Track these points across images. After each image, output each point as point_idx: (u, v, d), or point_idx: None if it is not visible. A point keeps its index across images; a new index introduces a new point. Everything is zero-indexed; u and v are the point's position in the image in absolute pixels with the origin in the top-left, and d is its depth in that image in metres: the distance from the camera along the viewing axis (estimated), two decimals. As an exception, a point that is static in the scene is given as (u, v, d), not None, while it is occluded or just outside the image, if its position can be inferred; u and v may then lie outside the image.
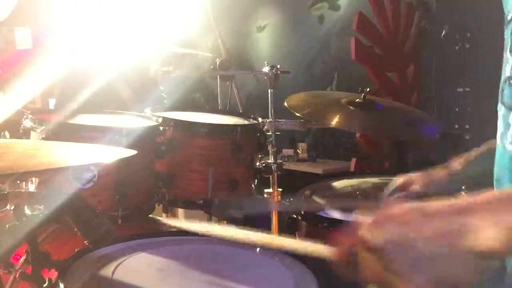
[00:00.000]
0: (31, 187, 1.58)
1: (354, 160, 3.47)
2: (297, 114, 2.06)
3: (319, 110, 2.11)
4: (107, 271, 1.10)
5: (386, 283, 0.77)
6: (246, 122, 2.13)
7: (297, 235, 1.66)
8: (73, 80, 2.93)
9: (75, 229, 1.08)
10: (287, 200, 1.72)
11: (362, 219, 0.85)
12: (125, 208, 1.70)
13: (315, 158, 3.88)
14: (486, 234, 0.74)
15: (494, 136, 1.22)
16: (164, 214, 2.33)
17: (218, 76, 2.92)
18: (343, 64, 3.92)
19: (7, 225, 1.02)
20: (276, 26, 4.51)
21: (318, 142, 4.16)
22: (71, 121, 1.79)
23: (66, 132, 1.68)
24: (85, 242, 1.09)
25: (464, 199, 0.80)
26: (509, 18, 1.14)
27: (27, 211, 1.05)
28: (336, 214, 1.57)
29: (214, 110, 2.44)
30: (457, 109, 3.16)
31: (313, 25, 4.19)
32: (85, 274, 1.09)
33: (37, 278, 1.08)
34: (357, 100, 2.05)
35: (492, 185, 1.23)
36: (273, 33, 4.54)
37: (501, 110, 1.20)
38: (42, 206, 1.07)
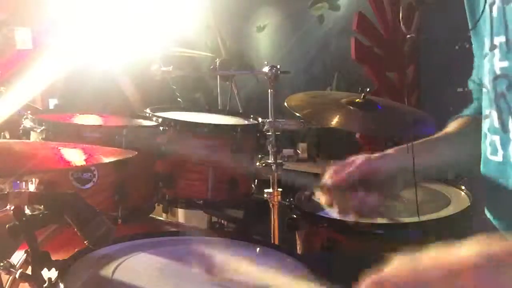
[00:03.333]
0: (31, 187, 1.59)
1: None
2: (297, 114, 2.06)
3: (319, 110, 2.11)
4: (107, 271, 1.10)
5: None
6: (246, 122, 2.13)
7: (297, 235, 1.66)
8: (75, 80, 2.94)
9: (75, 229, 1.08)
10: (287, 200, 1.72)
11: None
12: (125, 208, 1.70)
13: (315, 158, 3.87)
14: None
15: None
16: (164, 214, 2.33)
17: (218, 76, 2.92)
18: (343, 64, 3.92)
19: (7, 225, 1.02)
20: (276, 26, 4.50)
21: (318, 142, 4.15)
22: (71, 121, 1.79)
23: (66, 132, 1.68)
24: (85, 242, 1.09)
25: (459, 256, 0.77)
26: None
27: (27, 211, 1.06)
28: (336, 214, 1.57)
29: (214, 110, 2.44)
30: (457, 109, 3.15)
31: (313, 25, 4.18)
32: (85, 274, 1.09)
33: (37, 278, 1.08)
34: (357, 100, 2.04)
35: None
36: (273, 33, 4.53)
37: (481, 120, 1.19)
38: (42, 206, 1.07)
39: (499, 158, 1.12)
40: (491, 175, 1.16)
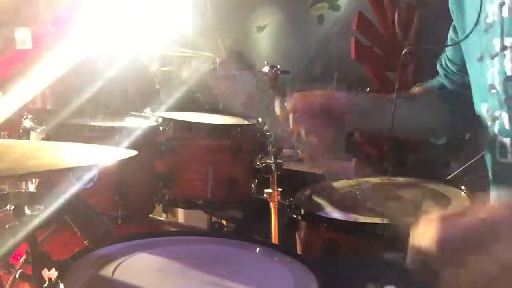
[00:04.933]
0: (31, 187, 1.58)
1: (354, 160, 3.46)
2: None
3: (319, 110, 2.10)
4: (107, 271, 1.10)
5: None
6: (246, 122, 2.13)
7: (297, 235, 1.66)
8: (70, 80, 2.93)
9: (75, 229, 1.08)
10: (287, 200, 1.72)
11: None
12: (125, 208, 1.70)
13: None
14: None
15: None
16: (164, 214, 2.33)
17: (218, 76, 2.92)
18: (343, 64, 3.92)
19: (7, 225, 1.02)
20: (276, 26, 4.50)
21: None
22: (71, 121, 1.79)
23: (66, 132, 1.68)
24: (85, 242, 1.08)
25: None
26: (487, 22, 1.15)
27: (27, 211, 1.05)
28: (336, 214, 1.57)
29: (214, 110, 2.44)
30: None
31: (313, 25, 4.18)
32: (85, 274, 1.09)
33: (37, 278, 1.08)
34: (357, 100, 2.04)
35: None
36: (273, 33, 4.53)
37: (487, 121, 1.19)
38: (42, 206, 1.07)
39: (509, 160, 1.11)
40: (500, 178, 1.15)
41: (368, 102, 1.34)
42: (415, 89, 1.46)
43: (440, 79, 1.46)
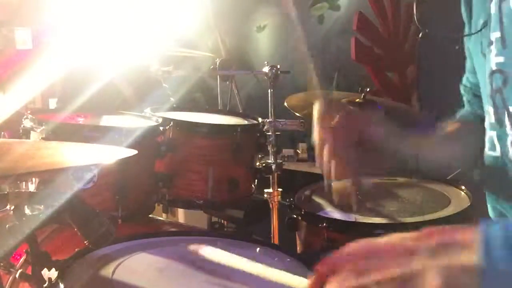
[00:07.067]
0: (31, 187, 1.58)
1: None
2: (297, 114, 2.07)
3: (319, 110, 2.10)
4: (107, 271, 1.10)
5: None
6: (246, 122, 2.13)
7: (297, 235, 1.66)
8: (74, 80, 2.94)
9: (75, 229, 1.08)
10: (287, 200, 1.72)
11: None
12: (125, 208, 1.70)
13: (315, 158, 3.86)
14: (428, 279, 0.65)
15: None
16: (164, 214, 2.33)
17: (218, 76, 2.92)
18: (343, 64, 3.92)
19: (7, 225, 1.02)
20: (276, 26, 4.50)
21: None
22: (71, 121, 1.79)
23: (66, 132, 1.68)
24: (85, 242, 1.09)
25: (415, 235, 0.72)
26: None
27: (27, 211, 1.05)
28: (336, 214, 1.57)
29: (214, 110, 2.44)
30: (457, 109, 3.15)
31: (313, 25, 4.18)
32: (85, 274, 1.09)
33: (37, 278, 1.08)
34: (357, 100, 2.05)
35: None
36: (273, 33, 4.53)
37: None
38: (42, 206, 1.07)
39: (497, 153, 1.13)
40: (491, 171, 1.17)
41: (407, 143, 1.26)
42: (449, 127, 1.39)
43: (469, 107, 1.41)
